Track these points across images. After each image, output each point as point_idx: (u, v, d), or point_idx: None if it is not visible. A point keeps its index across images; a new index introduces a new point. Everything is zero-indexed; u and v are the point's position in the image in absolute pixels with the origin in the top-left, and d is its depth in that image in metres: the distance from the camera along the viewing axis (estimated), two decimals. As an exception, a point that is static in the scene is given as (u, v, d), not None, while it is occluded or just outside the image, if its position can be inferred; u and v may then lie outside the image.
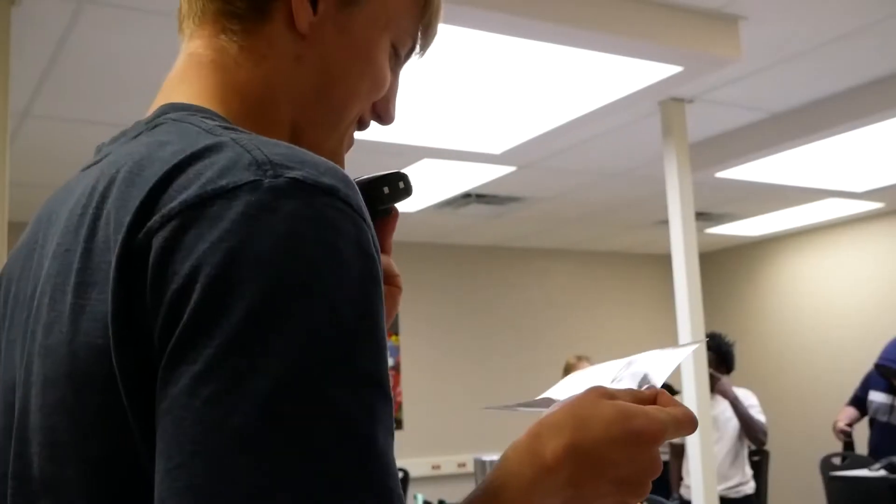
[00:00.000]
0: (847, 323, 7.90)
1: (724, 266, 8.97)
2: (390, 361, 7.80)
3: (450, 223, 7.24)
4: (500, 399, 7.79)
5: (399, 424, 7.88)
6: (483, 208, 6.75)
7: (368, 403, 0.64)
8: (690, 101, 4.48)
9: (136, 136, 0.83)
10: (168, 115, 0.82)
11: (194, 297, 0.63)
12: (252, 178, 0.67)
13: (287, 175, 0.67)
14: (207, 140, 0.72)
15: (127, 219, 0.69)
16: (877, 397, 5.64)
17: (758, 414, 5.46)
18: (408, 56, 0.97)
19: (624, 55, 3.45)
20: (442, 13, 0.99)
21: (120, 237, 0.69)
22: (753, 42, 3.74)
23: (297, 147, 0.72)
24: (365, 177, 0.98)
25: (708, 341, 5.31)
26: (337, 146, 0.93)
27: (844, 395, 6.06)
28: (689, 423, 0.78)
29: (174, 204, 0.67)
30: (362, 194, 0.72)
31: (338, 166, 0.71)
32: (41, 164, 5.06)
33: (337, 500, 0.61)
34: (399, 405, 7.89)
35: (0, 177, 2.98)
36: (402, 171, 0.98)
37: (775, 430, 6.74)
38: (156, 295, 0.65)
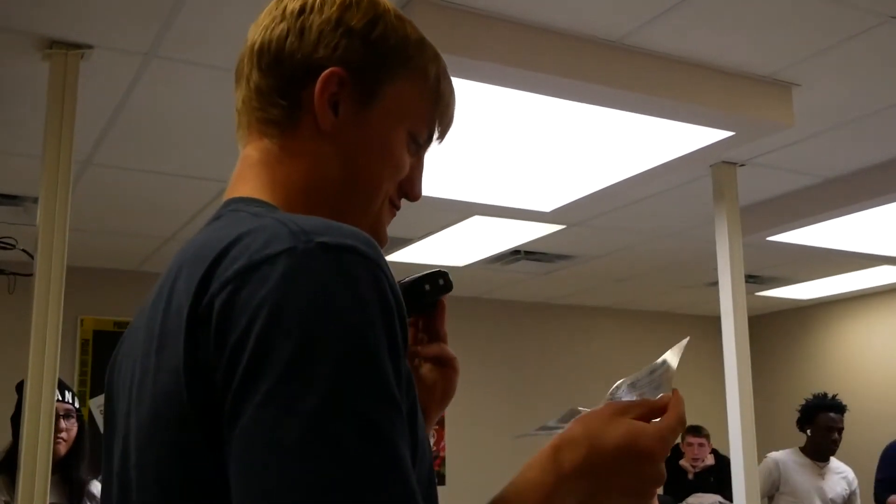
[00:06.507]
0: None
1: (774, 329, 8.88)
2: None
3: (498, 279, 7.25)
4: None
5: (442, 480, 7.84)
6: (532, 265, 6.76)
7: (389, 415, 0.80)
8: (742, 165, 4.49)
9: (207, 226, 1.01)
10: (228, 209, 1.02)
11: (250, 344, 0.79)
12: (289, 245, 0.83)
13: (316, 240, 0.84)
14: (255, 222, 0.90)
15: (193, 288, 0.86)
16: None
17: None
18: (428, 142, 1.13)
19: (677, 119, 3.47)
20: (455, 105, 1.15)
21: (188, 303, 0.85)
22: (807, 108, 3.75)
23: (326, 219, 0.89)
24: (409, 278, 1.14)
25: None
26: (375, 223, 1.08)
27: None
28: (681, 425, 0.96)
29: (229, 272, 0.84)
30: (407, 293, 0.90)
31: (359, 230, 0.88)
32: (100, 211, 5.17)
33: (373, 492, 0.76)
34: (442, 460, 7.86)
35: (61, 223, 3.05)
36: (443, 270, 1.16)
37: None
38: (219, 345, 0.81)
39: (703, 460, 6.65)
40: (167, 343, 0.87)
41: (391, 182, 1.08)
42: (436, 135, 1.13)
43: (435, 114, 1.11)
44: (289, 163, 1.04)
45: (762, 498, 5.40)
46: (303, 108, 1.04)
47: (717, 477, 6.27)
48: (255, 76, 1.05)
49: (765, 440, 5.16)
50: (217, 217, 1.01)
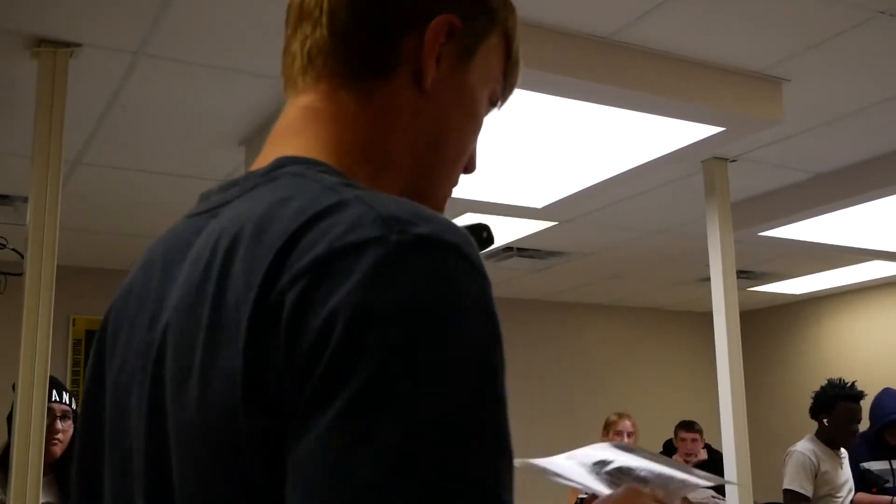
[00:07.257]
0: (889, 385, 7.78)
1: (766, 325, 8.88)
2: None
3: (490, 276, 7.23)
4: (534, 453, 7.74)
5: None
6: (524, 262, 6.76)
7: (493, 461, 0.65)
8: (733, 161, 4.49)
9: (252, 189, 0.83)
10: (285, 169, 0.82)
11: (327, 352, 0.64)
12: (379, 233, 0.67)
13: (413, 231, 0.68)
14: (331, 198, 0.73)
15: (257, 278, 0.70)
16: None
17: None
18: (492, 107, 1.00)
19: (667, 116, 3.47)
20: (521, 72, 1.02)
21: (251, 296, 0.69)
22: (797, 103, 3.75)
23: (417, 204, 0.73)
24: None
25: None
26: (447, 195, 0.95)
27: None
28: None
29: (304, 261, 0.68)
30: None
31: (456, 224, 0.72)
32: (90, 211, 5.16)
33: None
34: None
35: (51, 222, 3.04)
36: (485, 222, 0.98)
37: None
38: (291, 351, 0.66)
39: (696, 455, 6.66)
40: (221, 341, 0.71)
41: (473, 148, 0.96)
42: (499, 101, 1.00)
43: (509, 79, 0.99)
44: (367, 122, 0.87)
45: (808, 492, 5.16)
46: (399, 58, 0.88)
47: (711, 472, 6.25)
48: (343, 13, 0.88)
49: (757, 435, 5.15)
50: (270, 178, 0.82)
